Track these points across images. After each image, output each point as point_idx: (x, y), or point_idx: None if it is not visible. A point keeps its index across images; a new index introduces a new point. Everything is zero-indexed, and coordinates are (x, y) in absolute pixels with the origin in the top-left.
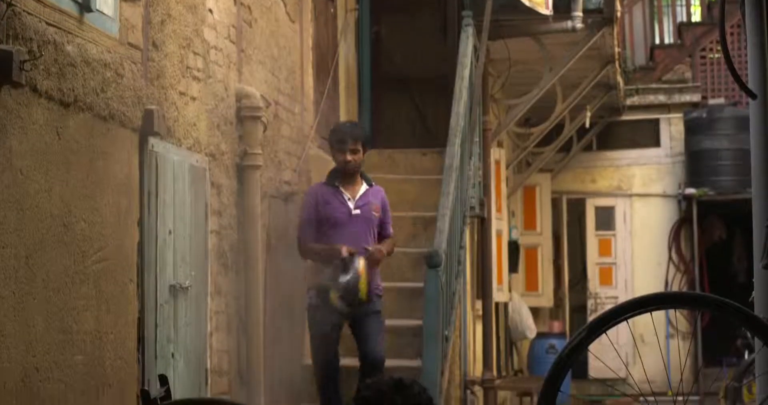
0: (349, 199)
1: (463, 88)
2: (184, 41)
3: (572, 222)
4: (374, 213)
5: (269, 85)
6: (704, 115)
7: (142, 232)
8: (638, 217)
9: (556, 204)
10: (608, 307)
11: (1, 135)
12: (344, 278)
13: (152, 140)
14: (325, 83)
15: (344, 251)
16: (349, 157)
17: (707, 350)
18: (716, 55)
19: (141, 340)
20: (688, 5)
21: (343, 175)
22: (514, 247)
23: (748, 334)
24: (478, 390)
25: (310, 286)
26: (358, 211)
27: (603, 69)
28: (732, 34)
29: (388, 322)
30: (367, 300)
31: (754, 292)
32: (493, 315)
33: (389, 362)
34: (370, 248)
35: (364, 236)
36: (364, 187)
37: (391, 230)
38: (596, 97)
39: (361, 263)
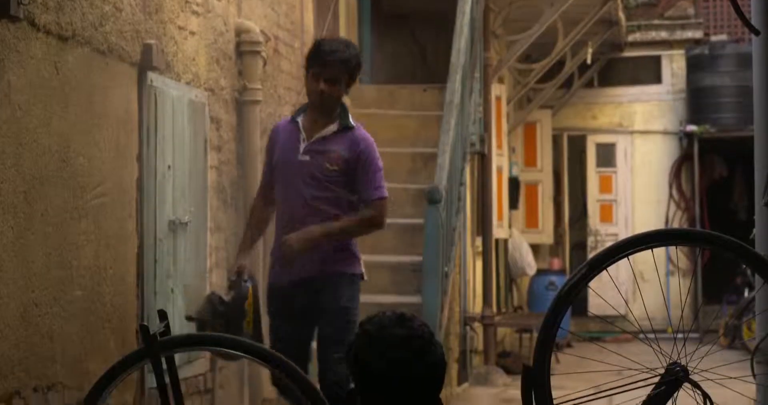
0: (303, 139)
1: (464, 23)
2: None
3: (573, 159)
4: (328, 165)
5: (269, 20)
6: (706, 51)
7: (141, 167)
8: (639, 154)
9: (556, 140)
10: (608, 244)
11: None
12: (222, 306)
13: (151, 75)
14: (325, 18)
15: (233, 271)
16: (323, 87)
17: (707, 288)
18: None
19: (140, 275)
20: None
21: (312, 109)
22: (514, 184)
23: (749, 272)
24: (478, 326)
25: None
26: (306, 158)
27: (605, 5)
28: None
29: (389, 258)
30: (255, 334)
31: (755, 230)
32: (493, 251)
33: (390, 298)
34: (286, 237)
35: (308, 195)
36: (332, 127)
37: (374, 194)
38: (598, 34)
39: (249, 291)
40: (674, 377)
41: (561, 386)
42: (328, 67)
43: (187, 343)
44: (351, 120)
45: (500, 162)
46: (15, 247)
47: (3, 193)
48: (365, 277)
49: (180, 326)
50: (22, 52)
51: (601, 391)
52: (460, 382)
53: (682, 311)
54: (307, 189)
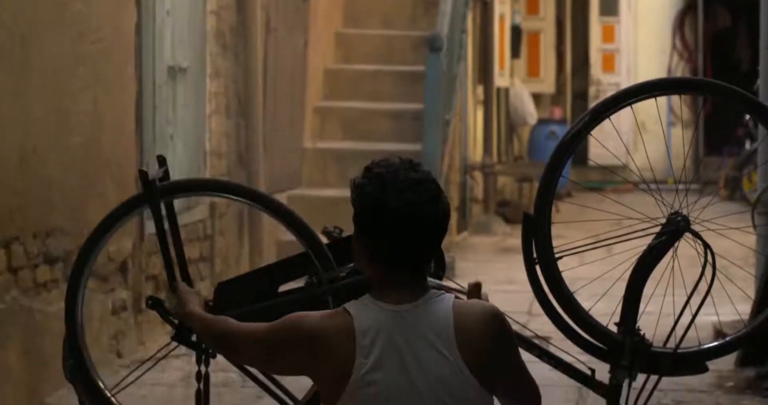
0: None
1: None
2: None
3: (576, 7)
4: None
5: None
6: None
7: (140, 12)
8: (643, 2)
9: None
10: (610, 93)
11: None
12: None
13: None
14: None
15: None
16: None
17: (708, 139)
18: None
19: (139, 122)
20: None
21: None
22: (516, 32)
23: (751, 123)
24: (478, 175)
25: None
26: None
27: None
28: None
29: (389, 105)
30: None
31: (758, 80)
32: (494, 100)
33: (389, 146)
34: None
35: None
36: None
37: None
38: None
39: None
40: (675, 227)
41: (561, 235)
42: None
43: (187, 188)
44: None
45: (502, 9)
46: (12, 94)
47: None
48: None
49: (179, 172)
50: None
51: (601, 241)
52: (459, 231)
53: (684, 162)
54: None
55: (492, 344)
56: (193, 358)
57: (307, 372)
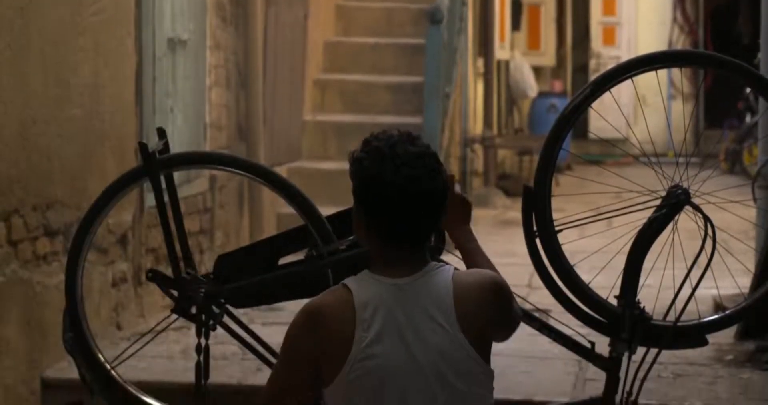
0: None
1: None
2: None
3: None
4: None
5: None
6: None
7: None
8: None
9: None
10: (610, 66)
11: None
12: None
13: None
14: None
15: None
16: None
17: (709, 112)
18: None
19: (139, 94)
20: None
21: None
22: (516, 4)
23: (751, 97)
24: (478, 148)
25: None
26: None
27: None
28: None
29: (389, 78)
30: None
31: (760, 54)
32: (495, 73)
33: (389, 119)
34: None
35: None
36: None
37: None
38: None
39: None
40: (676, 200)
41: (561, 208)
42: None
43: (187, 161)
44: None
45: None
46: (11, 65)
47: None
48: None
49: (179, 145)
50: None
51: (601, 214)
52: None
53: (685, 135)
54: None
55: (491, 312)
56: (193, 331)
57: (315, 354)
